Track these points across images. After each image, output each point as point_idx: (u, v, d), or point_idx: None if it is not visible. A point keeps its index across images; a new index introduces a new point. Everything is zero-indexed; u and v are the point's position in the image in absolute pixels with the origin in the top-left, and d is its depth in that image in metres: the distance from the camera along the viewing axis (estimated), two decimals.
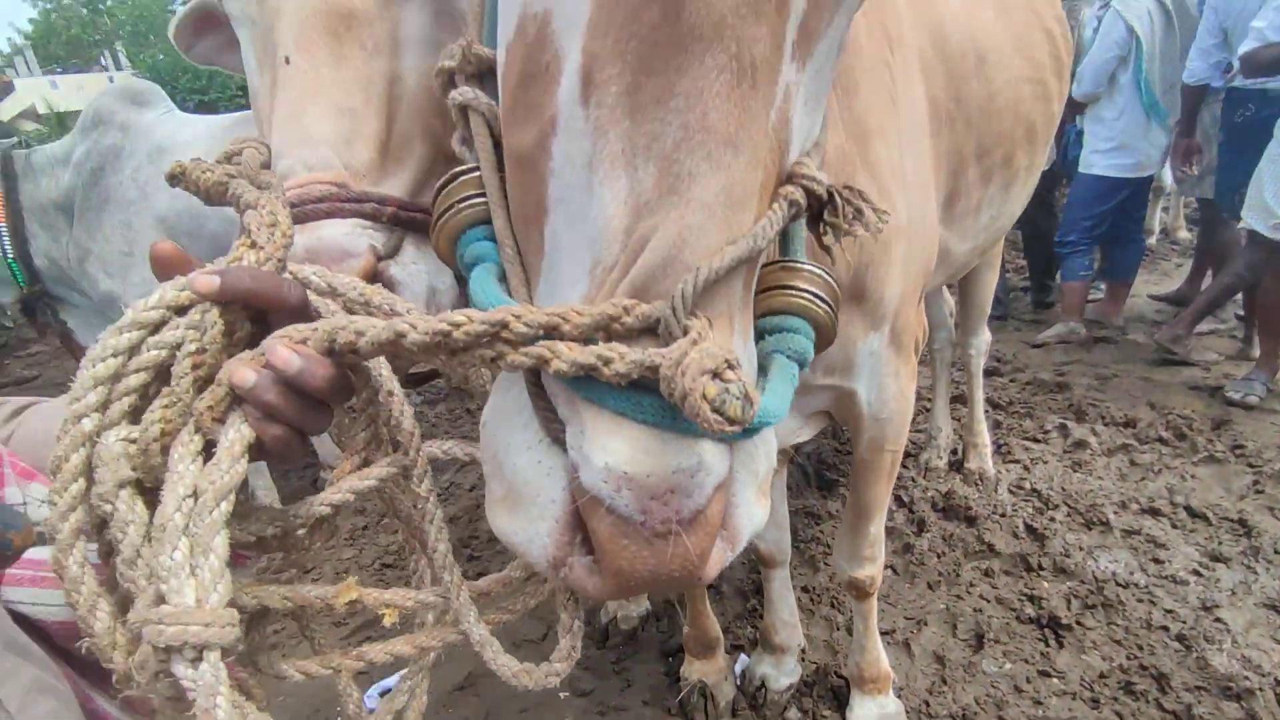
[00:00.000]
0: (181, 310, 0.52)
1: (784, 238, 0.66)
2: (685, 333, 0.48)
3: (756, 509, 0.55)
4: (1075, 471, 2.90)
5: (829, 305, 0.62)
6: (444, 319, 0.49)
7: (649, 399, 0.48)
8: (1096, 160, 4.04)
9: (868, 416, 1.38)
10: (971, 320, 2.87)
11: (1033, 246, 4.89)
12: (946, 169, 1.49)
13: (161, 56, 26.65)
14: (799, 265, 0.63)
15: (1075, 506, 2.66)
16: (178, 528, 0.46)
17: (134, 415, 0.51)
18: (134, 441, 0.49)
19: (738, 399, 0.46)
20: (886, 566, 2.37)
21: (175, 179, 0.65)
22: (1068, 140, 4.57)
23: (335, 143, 0.81)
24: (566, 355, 0.48)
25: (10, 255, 2.57)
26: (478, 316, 0.49)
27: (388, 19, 0.86)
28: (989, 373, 3.74)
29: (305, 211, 0.76)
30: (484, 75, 0.68)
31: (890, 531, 2.57)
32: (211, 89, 27.30)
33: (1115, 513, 2.60)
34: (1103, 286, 4.63)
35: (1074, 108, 4.12)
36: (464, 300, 0.88)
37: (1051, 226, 4.55)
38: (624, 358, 0.47)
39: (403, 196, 0.84)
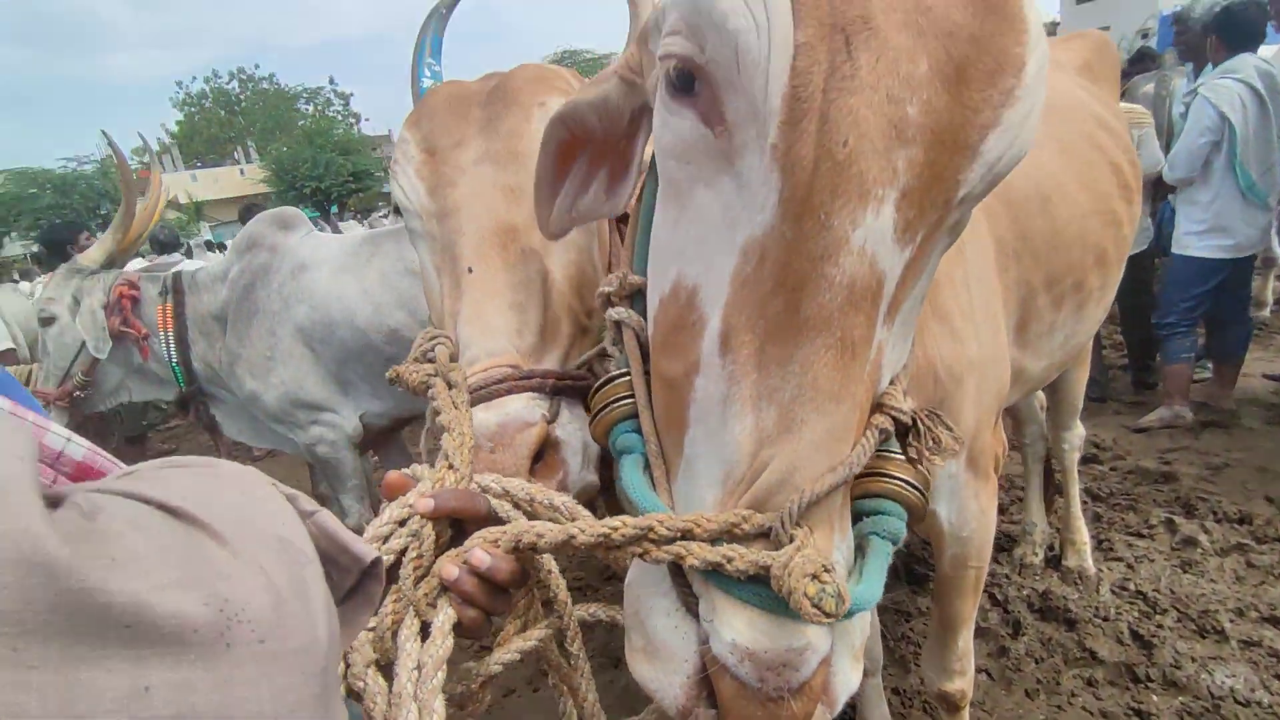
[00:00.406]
0: (401, 522, 0.70)
1: None
2: (791, 540, 0.62)
3: (852, 676, 0.68)
4: (1184, 572, 2.77)
5: (920, 490, 0.74)
6: (605, 524, 0.67)
7: (765, 589, 0.62)
8: (1191, 242, 3.95)
9: (949, 535, 1.45)
10: (1063, 416, 2.85)
11: (1131, 325, 4.69)
12: (1016, 298, 1.59)
13: (285, 149, 29.71)
14: (891, 454, 0.74)
15: (1185, 612, 2.54)
16: (409, 695, 0.62)
17: None
18: (373, 629, 0.67)
19: (832, 597, 0.59)
20: (980, 670, 2.33)
21: (393, 381, 0.95)
22: (1162, 217, 4.49)
23: (509, 333, 1.02)
24: (698, 553, 0.64)
25: (174, 360, 2.99)
26: (630, 522, 0.66)
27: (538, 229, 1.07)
28: (1087, 460, 3.63)
29: (491, 391, 0.96)
30: (634, 296, 0.88)
31: (984, 632, 2.53)
32: (326, 177, 29.72)
33: (1231, 620, 2.47)
34: (1210, 366, 4.43)
35: (1165, 187, 4.07)
36: (605, 467, 1.05)
37: (1150, 305, 4.41)
38: (743, 558, 0.62)
39: (557, 369, 1.04)
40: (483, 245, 1.06)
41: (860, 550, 0.71)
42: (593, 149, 0.99)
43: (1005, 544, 3.01)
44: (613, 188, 1.00)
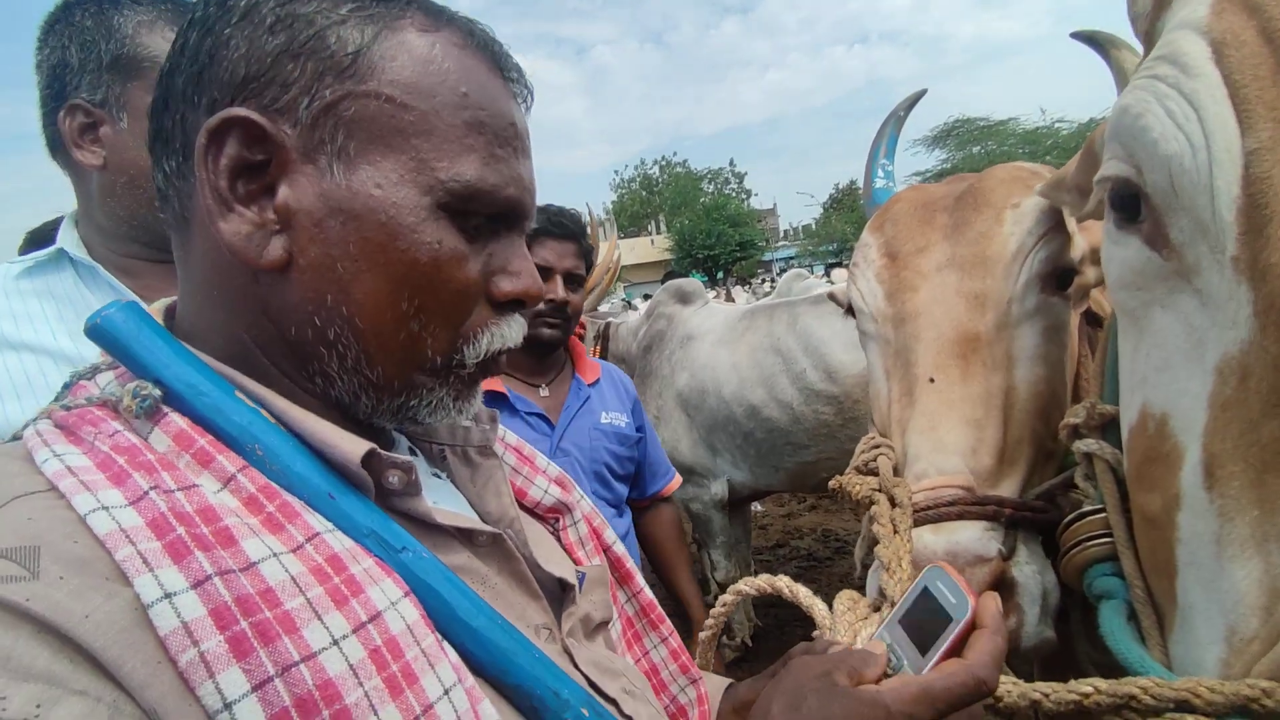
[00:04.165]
0: None
1: None
2: None
3: None
4: None
5: None
6: (1074, 689, 0.60)
7: None
8: None
9: None
10: None
11: None
12: None
13: (686, 223, 33.86)
14: None
15: None
16: None
17: None
18: None
19: None
20: None
21: (832, 492, 0.96)
22: None
23: (963, 451, 0.94)
24: None
25: None
26: (1105, 687, 0.58)
27: (1004, 340, 1.01)
28: None
29: (939, 512, 0.89)
30: (1105, 427, 0.80)
31: None
32: (718, 246, 32.90)
33: None
34: None
35: None
36: (1072, 612, 0.94)
37: None
38: None
39: (1014, 497, 0.93)
40: (942, 354, 1.00)
41: None
42: None
43: None
44: None
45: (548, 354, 1.71)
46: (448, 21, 0.53)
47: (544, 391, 1.71)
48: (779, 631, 3.59)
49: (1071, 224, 1.04)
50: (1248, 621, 0.54)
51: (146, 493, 0.40)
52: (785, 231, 48.29)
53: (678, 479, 1.98)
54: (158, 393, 0.45)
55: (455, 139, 0.50)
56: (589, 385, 1.76)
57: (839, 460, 2.87)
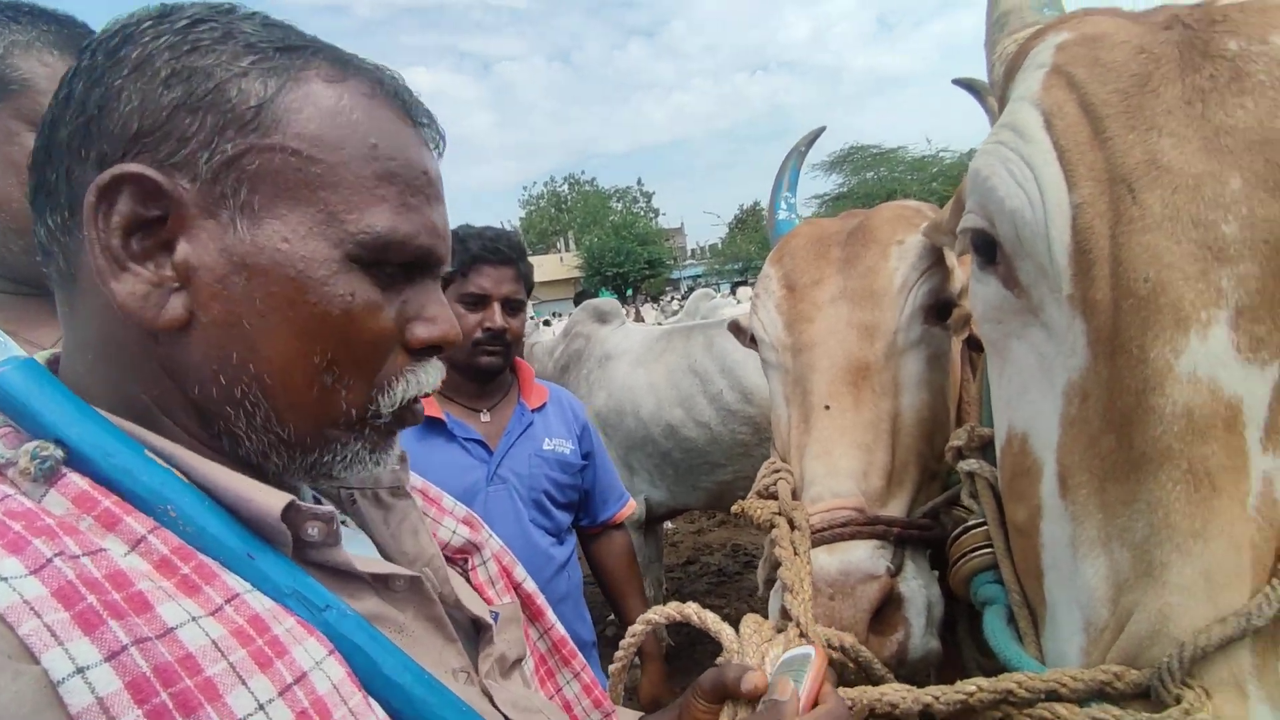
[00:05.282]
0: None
1: None
2: (1177, 701, 0.56)
3: None
4: None
5: None
6: (959, 689, 0.66)
7: None
8: None
9: None
10: None
11: None
12: None
13: (595, 241, 34.07)
14: None
15: None
16: None
17: None
18: None
19: None
20: None
21: (738, 515, 1.01)
22: None
23: (855, 474, 1.00)
24: (1066, 717, 0.60)
25: None
26: (986, 685, 0.65)
27: (891, 368, 1.08)
28: None
29: (834, 533, 0.94)
30: (985, 448, 0.89)
31: None
32: (626, 264, 33.08)
33: None
34: None
35: None
36: (959, 621, 1.01)
37: None
38: None
39: (902, 516, 1.00)
40: (835, 382, 1.06)
41: None
42: None
43: None
44: None
45: (488, 380, 1.68)
46: (355, 71, 0.53)
47: (485, 417, 1.68)
48: (690, 650, 3.64)
49: (951, 259, 1.14)
50: (1099, 612, 0.62)
51: (50, 560, 0.37)
52: (692, 250, 49.39)
53: (631, 504, 1.95)
54: (59, 453, 0.44)
55: (365, 190, 0.50)
56: (533, 410, 1.73)
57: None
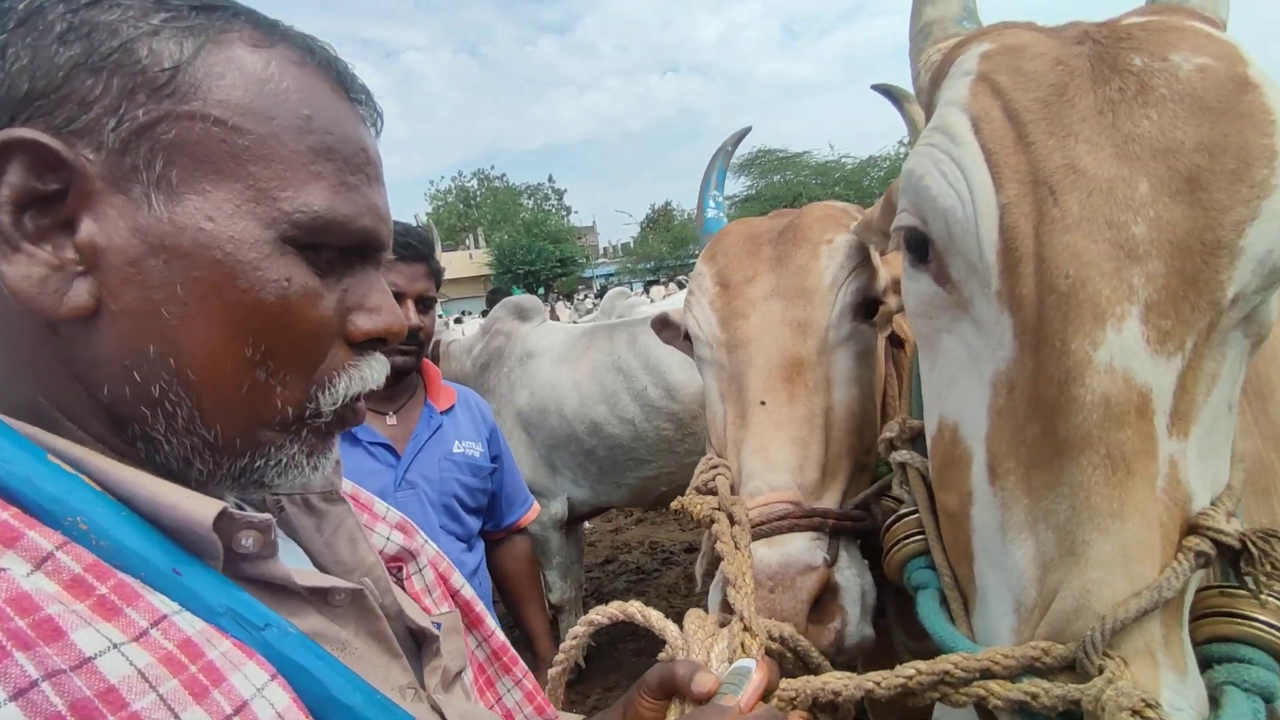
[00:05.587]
0: None
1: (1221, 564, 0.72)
2: (1100, 672, 0.59)
3: None
4: None
5: None
6: (899, 673, 0.67)
7: None
8: None
9: None
10: None
11: None
12: None
13: (506, 238, 33.52)
14: (1237, 591, 0.67)
15: None
16: None
17: None
18: None
19: None
20: None
21: (678, 513, 1.01)
22: None
23: (792, 467, 1.01)
24: (1000, 693, 0.63)
25: None
26: (924, 668, 0.67)
27: (823, 364, 1.11)
28: None
29: (772, 526, 0.96)
30: (915, 439, 0.92)
31: None
32: (538, 261, 32.77)
33: None
34: None
35: None
36: (888, 607, 1.05)
37: None
38: (1048, 693, 0.61)
39: (835, 508, 1.03)
40: (771, 378, 1.08)
41: (1215, 704, 0.64)
42: None
43: None
44: None
45: (397, 381, 1.62)
46: (281, 37, 0.49)
47: (391, 420, 1.61)
48: (612, 650, 3.64)
49: (876, 258, 1.18)
50: (1028, 592, 0.66)
51: None
52: (605, 249, 49.42)
53: (535, 508, 1.93)
54: None
55: (300, 166, 0.46)
56: (442, 413, 1.68)
57: (679, 474, 3.00)
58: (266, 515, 0.46)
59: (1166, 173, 0.64)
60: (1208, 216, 0.63)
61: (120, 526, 0.40)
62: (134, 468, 0.43)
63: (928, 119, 0.93)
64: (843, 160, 22.60)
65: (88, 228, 0.42)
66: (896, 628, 1.05)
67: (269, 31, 0.48)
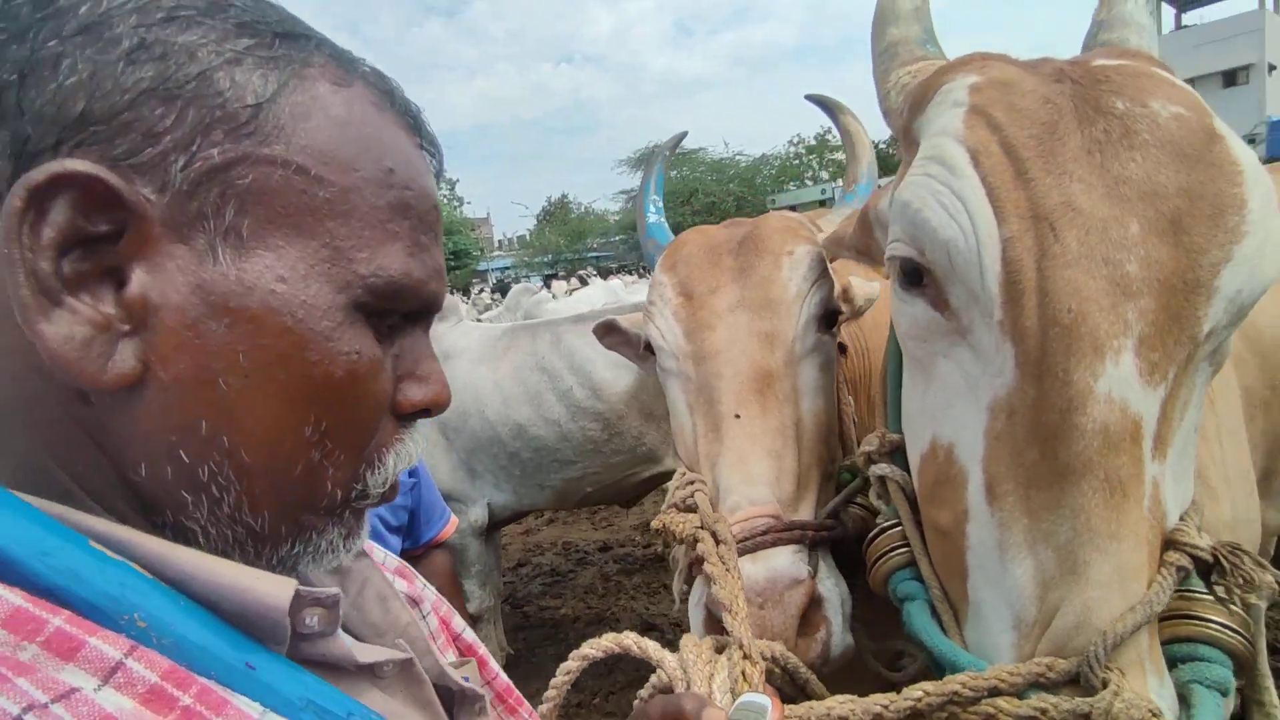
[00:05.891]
0: None
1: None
2: (1105, 685, 0.63)
3: None
4: None
5: (1242, 635, 0.69)
6: (907, 695, 0.69)
7: None
8: None
9: None
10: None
11: None
12: (1263, 449, 1.53)
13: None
14: (1198, 595, 0.71)
15: None
16: None
17: None
18: None
19: None
20: None
21: (658, 533, 0.98)
22: None
23: (769, 480, 1.01)
24: (1009, 710, 0.65)
25: None
26: (933, 689, 0.68)
27: (792, 375, 1.12)
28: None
29: (756, 542, 0.96)
30: (894, 452, 0.93)
31: None
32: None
33: None
34: None
35: None
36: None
37: None
38: (1057, 708, 0.64)
39: (811, 519, 1.04)
40: (743, 390, 1.08)
41: (1184, 703, 0.68)
42: None
43: None
44: None
45: None
46: (359, 74, 0.44)
47: None
48: (530, 655, 3.59)
49: (832, 269, 1.21)
50: (1028, 609, 0.69)
51: (18, 718, 0.27)
52: (500, 241, 48.42)
53: (454, 522, 1.86)
54: None
55: (378, 224, 0.42)
56: None
57: (604, 475, 2.98)
58: (335, 591, 0.41)
59: (1154, 214, 0.68)
60: (1189, 257, 0.67)
61: (183, 619, 0.34)
62: (182, 546, 0.37)
63: (899, 138, 0.95)
64: (737, 158, 23.21)
65: (140, 280, 0.36)
66: (860, 632, 1.08)
67: (349, 68, 0.43)
